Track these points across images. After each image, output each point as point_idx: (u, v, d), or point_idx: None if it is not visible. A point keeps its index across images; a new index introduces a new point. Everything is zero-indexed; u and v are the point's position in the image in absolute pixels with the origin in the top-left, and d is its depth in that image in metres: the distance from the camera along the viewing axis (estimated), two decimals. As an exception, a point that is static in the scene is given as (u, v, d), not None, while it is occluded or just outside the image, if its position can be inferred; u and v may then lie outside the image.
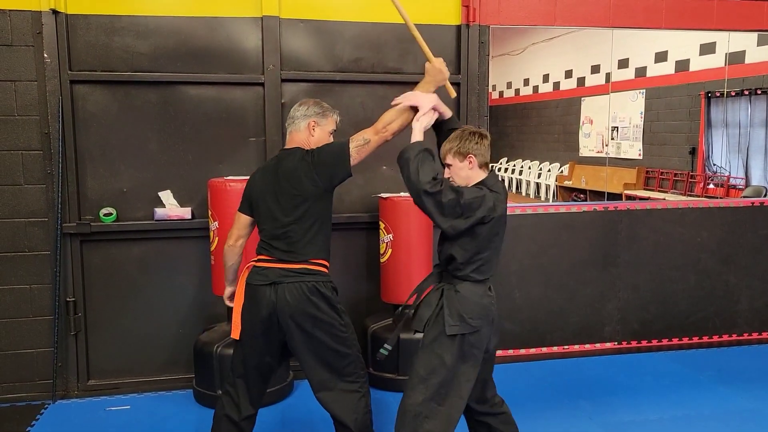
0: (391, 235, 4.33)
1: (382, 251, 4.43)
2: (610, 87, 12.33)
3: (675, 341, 5.26)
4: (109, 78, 4.25)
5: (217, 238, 4.05)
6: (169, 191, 4.37)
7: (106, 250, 4.33)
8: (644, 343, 5.19)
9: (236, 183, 3.99)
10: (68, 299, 4.25)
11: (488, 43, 4.75)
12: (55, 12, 4.07)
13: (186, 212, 4.34)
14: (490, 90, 17.38)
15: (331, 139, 3.09)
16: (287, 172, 2.91)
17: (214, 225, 4.06)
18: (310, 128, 3.02)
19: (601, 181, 11.84)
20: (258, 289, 2.86)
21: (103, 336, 4.36)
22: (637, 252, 5.11)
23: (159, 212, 4.29)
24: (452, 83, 4.64)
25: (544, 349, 5.05)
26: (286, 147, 3.07)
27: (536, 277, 4.99)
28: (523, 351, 5.03)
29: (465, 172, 2.82)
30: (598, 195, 11.39)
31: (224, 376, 3.91)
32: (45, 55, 4.10)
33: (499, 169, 17.08)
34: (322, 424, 3.80)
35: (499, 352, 4.95)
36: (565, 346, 5.07)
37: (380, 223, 4.41)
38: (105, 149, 4.29)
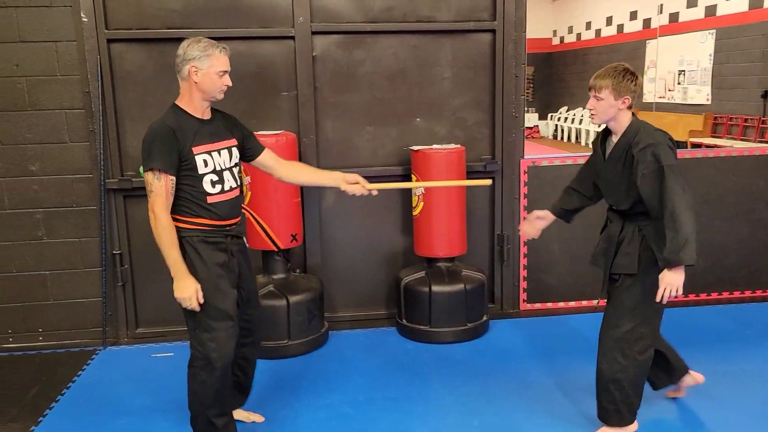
0: (422, 188, 4.31)
1: (414, 204, 4.42)
2: (667, 29, 11.64)
3: (725, 295, 5.07)
4: (144, 36, 4.32)
5: (250, 192, 4.13)
6: (205, 147, 4.46)
7: (147, 205, 4.48)
8: (691, 297, 5.03)
9: (267, 137, 4.03)
10: (114, 252, 4.45)
11: (526, -14, 4.56)
12: (89, -28, 4.15)
13: (222, 167, 4.42)
14: (551, 36, 16.89)
15: (221, 80, 2.81)
16: None
17: (247, 179, 4.13)
18: (191, 75, 2.78)
19: (665, 128, 11.26)
20: None
21: (149, 287, 4.56)
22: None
23: (196, 167, 4.39)
24: (486, 30, 4.57)
25: (584, 303, 4.97)
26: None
27: (576, 229, 4.87)
28: (561, 304, 4.97)
29: (614, 111, 2.82)
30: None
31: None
32: (82, 15, 4.20)
33: (559, 119, 16.61)
34: (359, 376, 3.90)
35: (537, 306, 4.93)
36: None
37: (412, 176, 4.38)
38: (143, 106, 4.40)
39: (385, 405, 3.52)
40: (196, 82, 2.78)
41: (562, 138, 16.08)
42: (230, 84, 2.87)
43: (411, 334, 4.39)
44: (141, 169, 4.30)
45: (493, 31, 4.57)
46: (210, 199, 2.83)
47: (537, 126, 17.32)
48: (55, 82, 4.28)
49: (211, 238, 2.83)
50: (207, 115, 2.90)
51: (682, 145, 10.46)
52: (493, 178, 4.73)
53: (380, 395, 3.63)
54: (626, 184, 2.86)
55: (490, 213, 4.82)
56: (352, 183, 3.16)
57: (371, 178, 4.48)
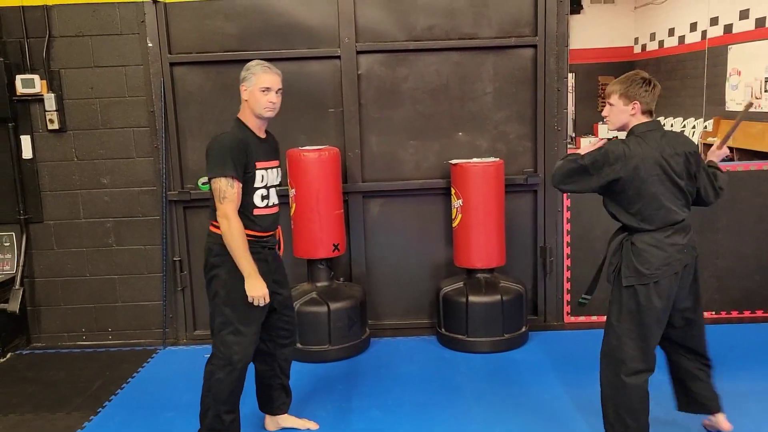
0: (460, 200, 4.42)
1: (453, 216, 4.53)
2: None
3: (785, 313, 4.88)
4: (203, 59, 4.67)
5: (294, 204, 4.38)
6: (257, 161, 4.75)
7: (205, 216, 4.80)
8: (747, 313, 4.86)
9: (310, 152, 4.27)
10: (174, 259, 4.81)
11: (567, 1, 4.59)
12: (155, 2, 4.54)
13: (272, 180, 4.70)
14: (632, 44, 16.34)
15: (265, 97, 3.00)
16: None
17: (292, 192, 4.38)
18: (242, 93, 3.05)
19: (751, 138, 10.70)
20: None
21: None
22: (738, 217, 4.77)
23: (248, 180, 4.69)
24: (528, 45, 4.63)
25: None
26: None
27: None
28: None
29: (626, 116, 2.87)
30: (748, 154, 10.24)
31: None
32: (148, 41, 4.60)
33: (641, 128, 16.08)
34: (392, 382, 4.05)
35: (581, 319, 4.90)
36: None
37: (451, 188, 4.50)
38: (201, 124, 4.74)
39: (411, 410, 3.65)
40: (246, 100, 3.04)
41: (642, 148, 15.55)
42: (274, 101, 3.04)
43: (449, 343, 4.50)
44: (200, 181, 4.66)
45: (534, 47, 4.63)
46: (256, 212, 3.06)
47: (616, 137, 16.86)
48: (124, 102, 4.70)
49: (252, 248, 3.03)
50: (262, 134, 3.14)
51: None
52: (535, 191, 4.78)
53: (409, 401, 3.76)
54: None
55: (533, 225, 4.85)
56: None
57: (414, 191, 4.70)
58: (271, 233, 3.18)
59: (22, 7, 4.57)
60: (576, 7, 16.54)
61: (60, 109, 4.66)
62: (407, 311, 4.95)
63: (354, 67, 4.64)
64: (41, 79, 4.60)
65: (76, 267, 4.88)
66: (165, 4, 4.59)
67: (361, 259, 4.85)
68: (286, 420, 3.47)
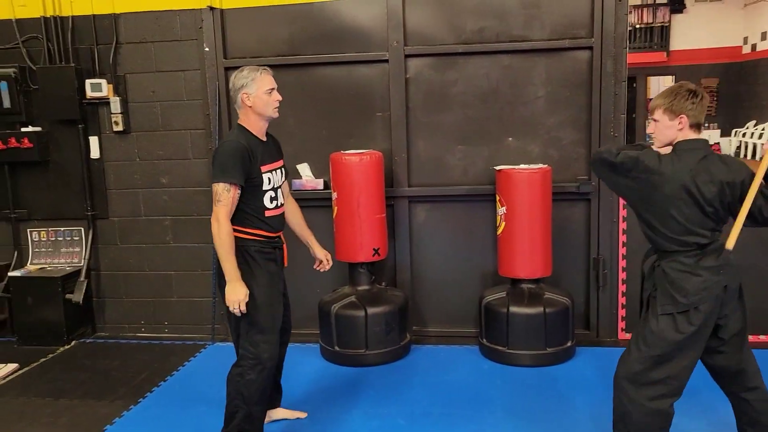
0: (504, 207, 4.29)
1: (497, 224, 4.40)
2: None
3: None
4: (256, 63, 4.77)
5: (336, 208, 4.40)
6: (306, 164, 4.82)
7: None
8: None
9: (352, 156, 4.28)
10: (225, 257, 4.95)
11: (627, 0, 4.35)
12: (211, 8, 4.70)
13: (319, 183, 4.76)
14: (741, 44, 15.37)
15: (271, 97, 3.09)
16: None
17: (334, 195, 4.40)
18: (244, 101, 3.07)
19: None
20: None
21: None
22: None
23: (296, 183, 4.76)
24: (583, 47, 4.45)
25: None
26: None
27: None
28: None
29: (672, 132, 2.66)
30: None
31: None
32: (205, 47, 4.76)
33: (744, 134, 15.05)
34: (423, 390, 3.99)
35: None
36: None
37: (496, 195, 4.38)
38: (254, 127, 4.86)
39: (438, 420, 3.57)
40: (250, 107, 3.08)
41: (745, 155, 14.59)
42: (280, 98, 3.14)
43: (490, 354, 4.37)
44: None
45: (590, 48, 4.43)
46: (267, 213, 3.14)
47: (718, 144, 15.86)
48: (182, 106, 4.89)
49: (265, 248, 3.13)
50: (264, 137, 3.20)
51: None
52: (588, 200, 4.56)
53: (438, 411, 3.69)
54: None
55: (586, 236, 4.64)
56: (319, 259, 3.51)
57: (461, 196, 4.61)
58: (279, 233, 3.24)
59: (94, 15, 4.86)
60: (678, 6, 15.71)
61: (124, 112, 4.92)
62: (451, 319, 4.85)
63: (402, 71, 4.60)
64: (108, 83, 4.87)
65: (137, 262, 5.12)
66: (222, 10, 4.74)
67: (406, 265, 4.81)
68: (278, 413, 3.56)
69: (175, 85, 4.87)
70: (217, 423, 3.23)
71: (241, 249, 3.07)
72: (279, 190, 3.22)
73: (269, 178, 3.14)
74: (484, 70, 4.59)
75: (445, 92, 4.64)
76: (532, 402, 3.76)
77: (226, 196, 2.99)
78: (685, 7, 15.41)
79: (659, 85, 16.55)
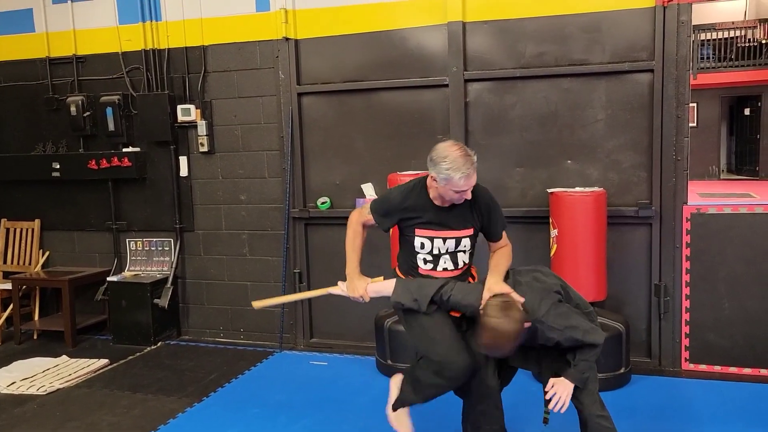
0: (556, 230, 4.29)
1: (550, 245, 4.40)
2: None
3: None
4: (326, 89, 5.10)
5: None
6: (370, 184, 5.05)
7: (323, 232, 5.22)
8: None
9: (404, 177, 4.45)
10: (294, 270, 5.26)
11: (689, 22, 4.25)
12: (287, 39, 5.07)
13: (381, 202, 4.96)
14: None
15: (457, 195, 2.90)
16: None
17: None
18: (431, 177, 2.96)
19: None
20: None
21: (324, 303, 5.25)
22: None
23: (360, 202, 4.99)
24: (644, 70, 4.40)
25: (763, 371, 4.34)
26: None
27: (752, 286, 4.32)
28: (733, 369, 4.41)
29: None
30: None
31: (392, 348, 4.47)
32: (280, 74, 5.13)
33: None
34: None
35: (702, 367, 4.48)
36: (795, 372, 4.27)
37: (549, 217, 4.39)
38: (323, 148, 5.16)
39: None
40: (436, 187, 2.94)
41: None
42: (469, 198, 2.94)
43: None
44: (318, 201, 5.07)
45: (651, 71, 4.36)
46: (421, 271, 3.10)
47: None
48: (260, 128, 5.28)
49: None
50: (446, 204, 2.99)
51: None
52: (650, 225, 4.47)
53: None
54: None
55: (647, 261, 4.53)
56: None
57: (518, 218, 4.65)
58: None
59: (186, 47, 5.38)
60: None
61: (209, 134, 5.39)
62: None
63: (461, 95, 4.73)
64: (196, 108, 5.36)
65: (217, 271, 5.56)
66: (296, 40, 5.09)
67: (463, 284, 4.89)
68: None
69: (253, 110, 5.28)
70: (266, 425, 3.46)
71: None
72: (446, 256, 3.06)
73: (422, 243, 3.04)
74: (543, 93, 4.63)
75: (504, 115, 4.72)
76: (571, 427, 3.72)
77: (365, 211, 3.19)
78: (815, 20, 14.28)
79: (786, 103, 15.42)
